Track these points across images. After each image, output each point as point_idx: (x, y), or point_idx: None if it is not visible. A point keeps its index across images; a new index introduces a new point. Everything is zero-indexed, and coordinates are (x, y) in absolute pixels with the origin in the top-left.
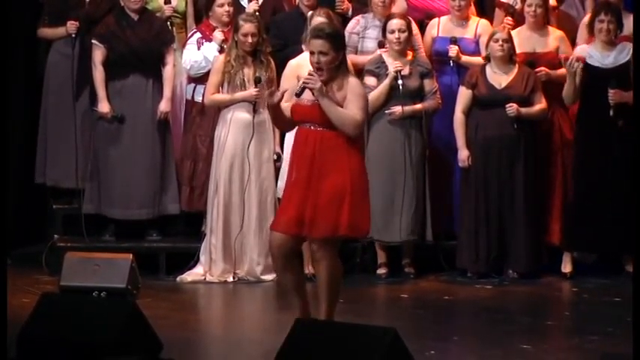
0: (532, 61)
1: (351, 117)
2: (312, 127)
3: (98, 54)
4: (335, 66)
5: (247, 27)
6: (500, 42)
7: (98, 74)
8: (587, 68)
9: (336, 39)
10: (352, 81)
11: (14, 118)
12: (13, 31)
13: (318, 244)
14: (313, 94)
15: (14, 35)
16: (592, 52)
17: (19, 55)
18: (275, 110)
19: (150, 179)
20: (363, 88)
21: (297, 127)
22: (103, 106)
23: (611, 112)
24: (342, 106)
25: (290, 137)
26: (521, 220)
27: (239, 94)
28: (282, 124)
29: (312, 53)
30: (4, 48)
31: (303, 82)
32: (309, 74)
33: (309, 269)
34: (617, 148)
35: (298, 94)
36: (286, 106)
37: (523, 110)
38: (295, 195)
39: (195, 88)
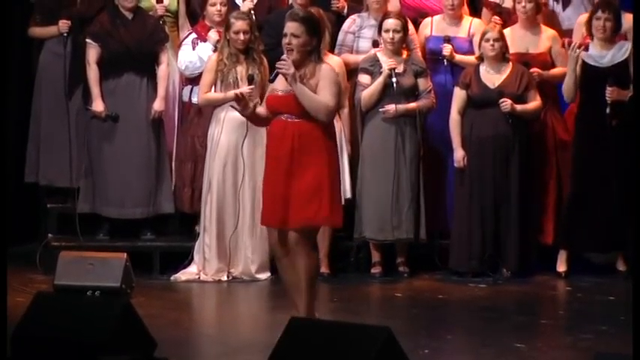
0: (526, 61)
1: (323, 103)
2: (288, 119)
3: (92, 53)
4: (307, 51)
5: (239, 25)
6: (492, 42)
7: (92, 73)
8: (585, 68)
9: (309, 23)
10: (324, 67)
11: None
12: (6, 31)
13: (296, 235)
14: (286, 79)
15: (7, 34)
16: (590, 50)
17: (11, 55)
18: (253, 117)
19: (144, 178)
20: (336, 74)
21: (273, 119)
22: (97, 105)
23: (608, 110)
24: (315, 93)
25: None
26: (515, 219)
27: (232, 93)
28: (262, 123)
29: (284, 35)
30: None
31: (277, 68)
32: (282, 60)
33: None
34: (615, 148)
35: (272, 80)
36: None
37: (518, 107)
38: (278, 188)
39: (192, 89)
